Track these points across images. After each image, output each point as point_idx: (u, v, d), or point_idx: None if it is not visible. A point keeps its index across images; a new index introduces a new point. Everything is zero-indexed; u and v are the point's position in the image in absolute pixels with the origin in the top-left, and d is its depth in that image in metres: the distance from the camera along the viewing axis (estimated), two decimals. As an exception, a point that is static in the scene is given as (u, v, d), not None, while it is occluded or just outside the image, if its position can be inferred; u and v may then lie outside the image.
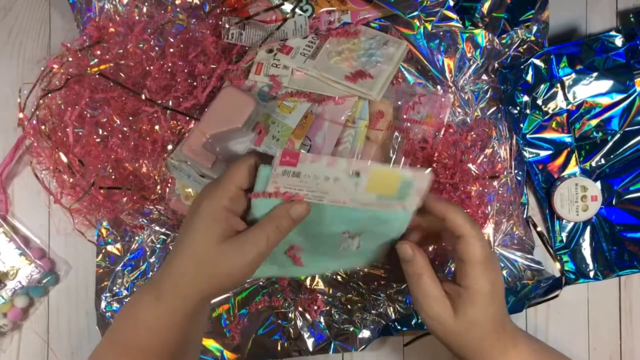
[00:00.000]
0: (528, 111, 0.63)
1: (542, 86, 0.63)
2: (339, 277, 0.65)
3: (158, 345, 0.45)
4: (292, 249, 0.49)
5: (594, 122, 0.63)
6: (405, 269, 0.48)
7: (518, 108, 0.63)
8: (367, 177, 0.41)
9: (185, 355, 0.48)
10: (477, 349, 0.47)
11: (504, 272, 0.64)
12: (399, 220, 0.46)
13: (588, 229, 0.65)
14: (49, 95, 0.60)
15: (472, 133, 0.63)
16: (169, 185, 0.63)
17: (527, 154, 0.64)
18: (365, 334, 0.64)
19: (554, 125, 0.64)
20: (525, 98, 0.63)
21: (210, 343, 0.64)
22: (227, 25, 0.60)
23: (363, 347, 0.64)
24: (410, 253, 0.47)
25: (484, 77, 0.64)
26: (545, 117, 0.63)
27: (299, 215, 0.43)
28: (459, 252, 0.46)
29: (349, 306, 0.64)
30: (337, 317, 0.64)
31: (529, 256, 0.65)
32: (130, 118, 0.59)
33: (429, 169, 0.43)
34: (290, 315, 0.64)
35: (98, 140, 0.60)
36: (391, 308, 0.64)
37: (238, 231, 0.44)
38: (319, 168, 0.41)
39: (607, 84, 0.63)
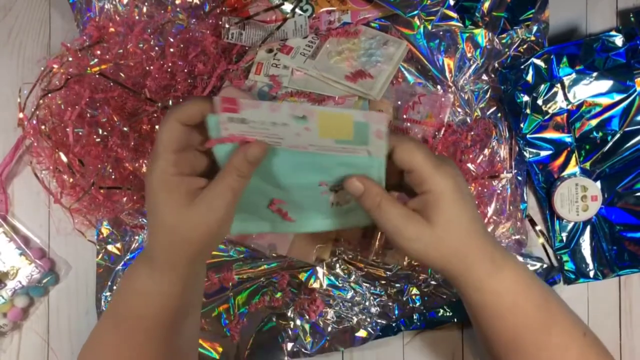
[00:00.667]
0: (528, 111, 0.63)
1: (542, 86, 0.63)
2: (338, 277, 0.65)
3: (155, 312, 0.46)
4: (273, 203, 0.48)
5: (594, 122, 0.63)
6: (364, 207, 0.45)
7: (518, 108, 0.63)
8: (315, 121, 0.40)
9: (185, 319, 0.48)
10: (463, 252, 0.44)
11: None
12: (372, 167, 0.44)
13: (588, 228, 0.65)
14: (49, 95, 0.60)
15: (472, 133, 0.63)
16: (169, 185, 0.63)
17: (527, 154, 0.64)
18: (365, 334, 0.64)
19: (554, 125, 0.64)
20: (526, 98, 0.63)
21: (209, 343, 0.64)
22: (227, 25, 0.60)
23: (362, 347, 0.64)
24: (360, 185, 0.44)
25: (484, 77, 0.64)
26: (546, 117, 0.63)
27: (254, 156, 0.42)
28: (404, 164, 0.43)
29: (348, 306, 0.64)
30: (336, 317, 0.64)
31: (528, 254, 0.65)
32: (130, 118, 0.60)
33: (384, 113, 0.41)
34: (289, 315, 0.64)
35: (98, 140, 0.60)
36: (391, 308, 0.64)
37: (200, 188, 0.43)
38: (262, 114, 0.40)
39: (607, 84, 0.63)
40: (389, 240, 0.45)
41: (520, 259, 0.64)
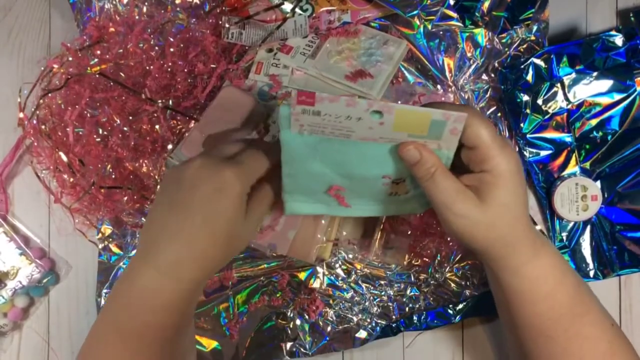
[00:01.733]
0: (528, 111, 0.63)
1: (542, 86, 0.63)
2: (338, 277, 0.65)
3: (164, 322, 0.45)
4: (331, 189, 0.49)
5: (594, 122, 0.63)
6: (416, 175, 0.44)
7: (518, 108, 0.63)
8: (391, 117, 0.40)
9: (188, 327, 0.49)
10: (509, 238, 0.43)
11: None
12: (440, 158, 0.43)
13: (588, 228, 0.65)
14: (49, 95, 0.60)
15: (472, 133, 0.63)
16: (169, 185, 0.63)
17: (527, 154, 0.64)
18: (365, 334, 0.64)
19: (554, 125, 0.64)
20: (525, 98, 0.63)
21: (209, 342, 0.64)
22: (227, 25, 0.60)
23: (362, 347, 0.64)
24: (416, 153, 0.42)
25: (484, 76, 0.64)
26: (545, 117, 0.63)
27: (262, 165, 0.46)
28: (469, 140, 0.42)
29: (348, 306, 0.64)
30: (336, 317, 0.64)
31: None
32: (130, 118, 0.60)
33: (465, 113, 0.40)
34: (289, 314, 0.64)
35: (98, 140, 0.60)
36: (391, 308, 0.64)
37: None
38: (338, 107, 0.40)
39: (607, 84, 0.63)
40: (436, 213, 0.44)
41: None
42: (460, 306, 0.64)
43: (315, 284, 0.65)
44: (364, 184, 0.48)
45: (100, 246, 0.65)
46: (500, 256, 0.45)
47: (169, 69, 0.60)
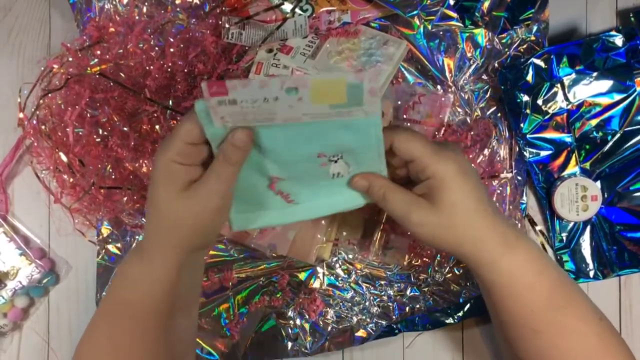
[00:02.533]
0: (528, 111, 0.63)
1: (542, 86, 0.63)
2: (338, 277, 0.65)
3: (143, 298, 0.46)
4: (272, 182, 0.48)
5: (594, 122, 0.63)
6: (373, 199, 0.47)
7: (518, 108, 0.63)
8: (307, 91, 0.39)
9: (178, 313, 0.49)
10: (472, 235, 0.44)
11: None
12: (369, 128, 0.43)
13: (588, 228, 0.65)
14: (49, 95, 0.60)
15: (472, 133, 0.63)
16: (169, 185, 0.63)
17: (527, 154, 0.64)
18: (365, 334, 0.64)
19: (554, 125, 0.64)
20: (525, 98, 0.63)
21: (209, 342, 0.64)
22: (227, 25, 0.60)
23: (362, 347, 0.64)
24: (364, 182, 0.46)
25: (484, 76, 0.64)
26: (545, 117, 0.63)
27: (241, 141, 0.42)
28: (404, 155, 0.44)
29: (348, 306, 0.64)
30: (336, 317, 0.64)
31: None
32: (130, 118, 0.60)
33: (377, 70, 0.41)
34: (289, 314, 0.64)
35: (98, 140, 0.60)
36: (391, 308, 0.64)
37: (196, 179, 0.44)
38: (252, 91, 0.39)
39: (607, 84, 0.63)
40: (401, 226, 0.46)
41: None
42: (460, 306, 0.64)
43: (315, 284, 0.65)
44: (302, 168, 0.47)
45: (100, 247, 0.65)
46: (471, 254, 0.45)
47: (169, 69, 0.60)
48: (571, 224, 0.65)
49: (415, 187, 0.46)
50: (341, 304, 0.65)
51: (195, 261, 0.49)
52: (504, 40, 0.63)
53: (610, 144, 0.63)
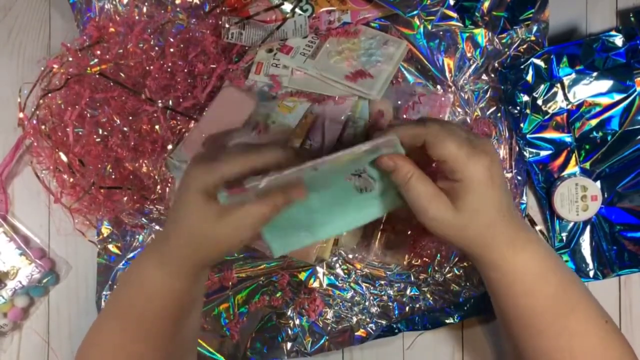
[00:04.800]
0: (528, 111, 0.63)
1: (542, 86, 0.63)
2: (338, 277, 0.65)
3: (156, 307, 0.47)
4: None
5: (594, 122, 0.63)
6: (395, 182, 0.46)
7: (518, 108, 0.63)
8: (327, 164, 0.43)
9: (187, 318, 0.49)
10: (483, 238, 0.45)
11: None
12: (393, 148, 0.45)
13: (588, 228, 0.65)
14: (49, 95, 0.60)
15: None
16: (169, 185, 0.63)
17: (527, 154, 0.64)
18: (365, 334, 0.64)
19: (554, 125, 0.64)
20: (525, 98, 0.63)
21: (209, 342, 0.64)
22: (227, 25, 0.60)
23: (362, 347, 0.64)
24: (391, 162, 0.45)
25: (484, 76, 0.64)
26: (545, 117, 0.63)
27: (294, 196, 0.44)
28: (437, 156, 0.44)
29: (348, 306, 0.64)
30: (336, 317, 0.64)
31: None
32: (130, 118, 0.60)
33: (391, 137, 0.43)
34: (289, 314, 0.64)
35: (98, 140, 0.60)
36: (391, 308, 0.64)
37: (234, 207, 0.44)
38: (270, 179, 0.42)
39: (607, 84, 0.63)
40: (414, 211, 0.46)
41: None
42: (460, 306, 0.64)
43: (315, 284, 0.65)
44: (333, 195, 0.48)
45: (100, 247, 0.65)
46: (478, 254, 0.46)
47: (169, 69, 0.60)
48: (571, 224, 0.65)
49: (440, 181, 0.45)
50: (341, 303, 0.65)
51: (206, 271, 0.51)
52: (504, 40, 0.63)
53: (610, 144, 0.63)
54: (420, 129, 0.44)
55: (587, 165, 0.64)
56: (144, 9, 0.62)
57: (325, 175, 0.45)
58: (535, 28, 0.63)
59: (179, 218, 0.45)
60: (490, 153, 0.44)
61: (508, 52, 0.64)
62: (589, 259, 0.65)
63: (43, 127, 0.61)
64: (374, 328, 0.64)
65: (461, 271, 0.64)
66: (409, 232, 0.62)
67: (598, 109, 0.63)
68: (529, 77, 0.63)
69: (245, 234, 0.44)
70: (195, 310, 0.51)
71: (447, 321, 0.64)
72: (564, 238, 0.65)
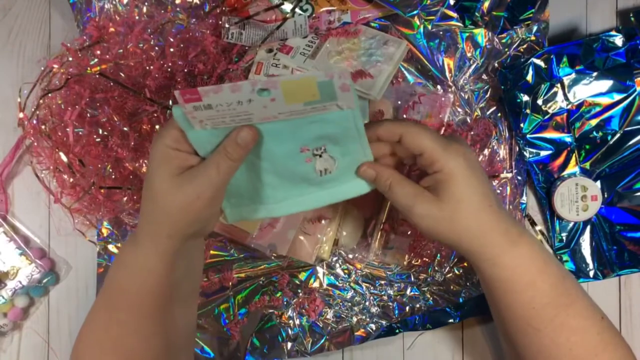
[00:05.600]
0: (528, 111, 0.63)
1: (542, 86, 0.63)
2: (338, 277, 0.65)
3: (140, 289, 0.46)
4: (264, 177, 0.49)
5: (594, 122, 0.63)
6: (379, 189, 0.47)
7: (518, 108, 0.63)
8: (279, 92, 0.41)
9: (174, 304, 0.49)
10: (476, 229, 0.45)
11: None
12: (346, 119, 0.44)
13: (588, 228, 0.65)
14: (49, 95, 0.60)
15: (472, 133, 0.63)
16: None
17: (527, 154, 0.64)
18: (365, 334, 0.64)
19: (554, 125, 0.64)
20: (525, 98, 0.63)
21: (209, 342, 0.64)
22: (227, 25, 0.60)
23: (362, 347, 0.64)
24: (372, 172, 0.47)
25: (484, 76, 0.64)
26: (545, 117, 0.63)
27: (245, 140, 0.43)
28: (413, 149, 0.45)
29: (348, 306, 0.64)
30: (336, 317, 0.64)
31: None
32: (130, 118, 0.60)
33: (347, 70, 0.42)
34: (289, 314, 0.64)
35: (98, 140, 0.60)
36: (391, 308, 0.64)
37: (192, 166, 0.44)
38: (225, 96, 0.40)
39: (607, 84, 0.63)
40: (401, 215, 0.46)
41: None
42: (460, 306, 0.64)
43: (315, 284, 0.65)
44: (288, 165, 0.47)
45: (100, 247, 0.65)
46: (473, 249, 0.46)
47: (169, 69, 0.60)
48: (571, 224, 0.65)
49: (422, 179, 0.46)
50: (341, 303, 0.65)
51: (190, 250, 0.49)
52: (504, 40, 0.63)
53: (610, 144, 0.63)
54: (396, 125, 0.45)
55: (587, 165, 0.64)
56: (144, 9, 0.62)
57: (277, 134, 0.44)
58: (535, 28, 0.63)
59: (144, 193, 0.45)
60: (464, 144, 0.45)
61: (508, 52, 0.64)
62: (589, 259, 0.65)
63: (43, 127, 0.61)
64: (374, 328, 0.64)
65: (461, 271, 0.64)
66: (409, 232, 0.62)
67: (598, 109, 0.63)
68: (529, 77, 0.63)
69: (208, 192, 0.43)
70: (186, 302, 0.51)
71: (447, 321, 0.64)
72: (564, 238, 0.65)
